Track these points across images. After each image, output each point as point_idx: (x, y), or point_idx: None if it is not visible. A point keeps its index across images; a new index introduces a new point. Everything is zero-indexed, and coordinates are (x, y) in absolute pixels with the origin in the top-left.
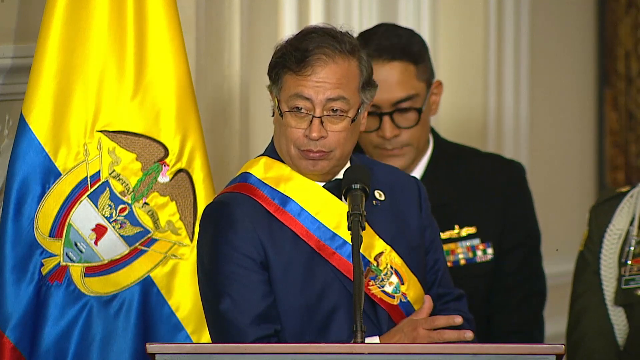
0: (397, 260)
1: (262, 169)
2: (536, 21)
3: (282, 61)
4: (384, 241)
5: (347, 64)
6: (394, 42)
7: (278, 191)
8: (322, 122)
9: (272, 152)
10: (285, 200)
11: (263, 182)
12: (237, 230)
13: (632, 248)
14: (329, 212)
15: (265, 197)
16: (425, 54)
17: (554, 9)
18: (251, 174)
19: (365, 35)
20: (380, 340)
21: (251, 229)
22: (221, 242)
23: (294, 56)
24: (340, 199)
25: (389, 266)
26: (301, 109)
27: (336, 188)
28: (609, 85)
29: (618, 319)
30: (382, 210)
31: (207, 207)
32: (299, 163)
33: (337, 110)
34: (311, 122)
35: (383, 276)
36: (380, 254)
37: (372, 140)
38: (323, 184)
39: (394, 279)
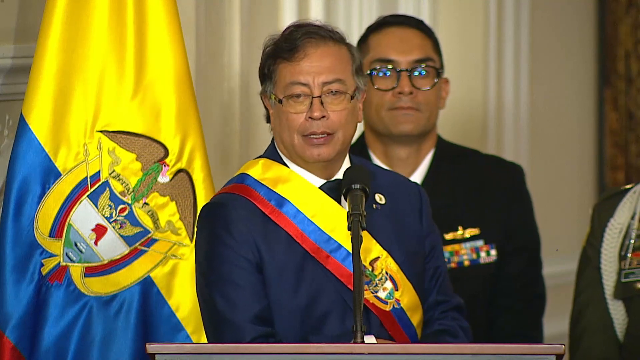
0: (392, 266)
1: (260, 170)
2: (536, 21)
3: (273, 53)
4: (382, 246)
5: (338, 48)
6: (417, 20)
7: (275, 192)
8: (322, 103)
9: (271, 154)
10: (281, 201)
11: (260, 183)
12: (233, 232)
13: (632, 241)
14: (326, 215)
15: (262, 198)
16: (439, 46)
17: (554, 9)
18: (249, 175)
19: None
20: None
21: (246, 230)
22: (217, 242)
23: (284, 46)
24: (338, 201)
25: (384, 271)
26: (300, 95)
27: (334, 189)
28: (609, 85)
29: (618, 313)
30: (382, 214)
31: (203, 207)
32: (303, 152)
33: (335, 92)
34: (311, 103)
35: (377, 281)
36: (376, 259)
37: (387, 102)
38: (323, 182)
39: (388, 284)
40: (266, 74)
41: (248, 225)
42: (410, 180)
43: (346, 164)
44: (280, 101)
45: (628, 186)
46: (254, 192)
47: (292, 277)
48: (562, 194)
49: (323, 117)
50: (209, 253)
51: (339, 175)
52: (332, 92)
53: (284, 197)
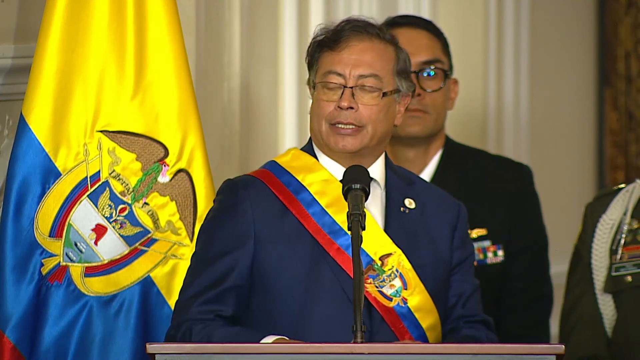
0: (405, 265)
1: (289, 159)
2: (536, 21)
3: (320, 42)
4: (397, 244)
5: (383, 46)
6: (427, 21)
7: (296, 179)
8: (353, 95)
9: (306, 146)
10: (299, 188)
11: (284, 169)
12: (236, 211)
13: (623, 235)
14: (341, 207)
15: (280, 184)
16: (448, 47)
17: (554, 9)
18: (275, 162)
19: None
20: None
21: (249, 211)
22: (213, 220)
23: (330, 36)
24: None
25: (394, 269)
26: (334, 84)
27: None
28: (609, 85)
29: (607, 308)
30: (408, 218)
31: (221, 184)
32: (328, 140)
33: (369, 86)
34: (342, 93)
35: (385, 277)
36: (388, 255)
37: None
38: None
39: (397, 282)
40: (310, 62)
41: (252, 206)
42: (452, 198)
43: (380, 164)
44: (314, 87)
45: (621, 186)
46: (274, 178)
47: (294, 264)
48: (562, 194)
49: (351, 108)
50: (203, 227)
51: (370, 172)
52: (365, 86)
53: (303, 185)
